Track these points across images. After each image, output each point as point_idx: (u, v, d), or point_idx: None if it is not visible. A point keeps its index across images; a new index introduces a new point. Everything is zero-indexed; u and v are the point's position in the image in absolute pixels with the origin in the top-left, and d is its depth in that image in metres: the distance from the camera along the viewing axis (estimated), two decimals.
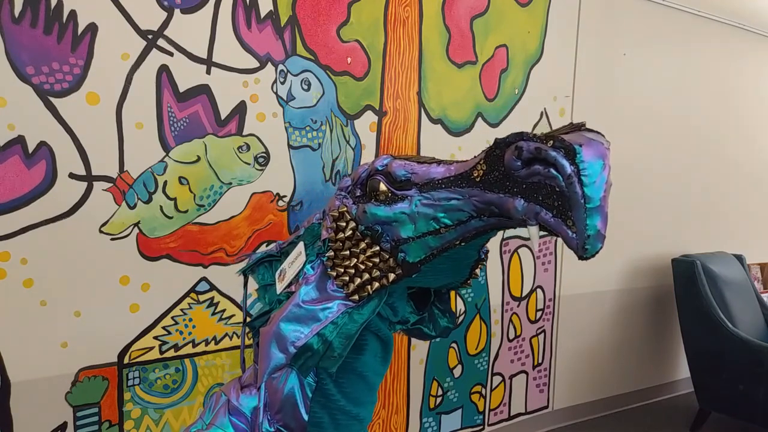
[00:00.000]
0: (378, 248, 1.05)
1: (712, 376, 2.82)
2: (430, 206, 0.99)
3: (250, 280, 1.39)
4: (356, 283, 1.06)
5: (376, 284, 1.06)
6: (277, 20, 1.87)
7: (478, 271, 1.15)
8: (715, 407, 2.87)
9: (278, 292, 1.21)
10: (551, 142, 0.78)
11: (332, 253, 1.10)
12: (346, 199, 1.12)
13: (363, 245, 1.06)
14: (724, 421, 2.95)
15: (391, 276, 1.05)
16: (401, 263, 1.03)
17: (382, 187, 1.06)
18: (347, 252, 1.08)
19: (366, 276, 1.06)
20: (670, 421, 3.10)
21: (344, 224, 1.09)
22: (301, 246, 1.21)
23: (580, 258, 0.79)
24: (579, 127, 0.83)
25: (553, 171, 0.78)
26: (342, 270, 1.08)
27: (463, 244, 0.99)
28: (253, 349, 1.25)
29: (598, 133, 0.82)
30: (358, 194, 1.11)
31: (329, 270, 1.10)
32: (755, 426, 2.72)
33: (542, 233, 0.87)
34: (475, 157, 0.97)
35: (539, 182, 0.81)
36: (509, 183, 0.86)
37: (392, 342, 1.21)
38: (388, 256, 1.04)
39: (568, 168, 0.76)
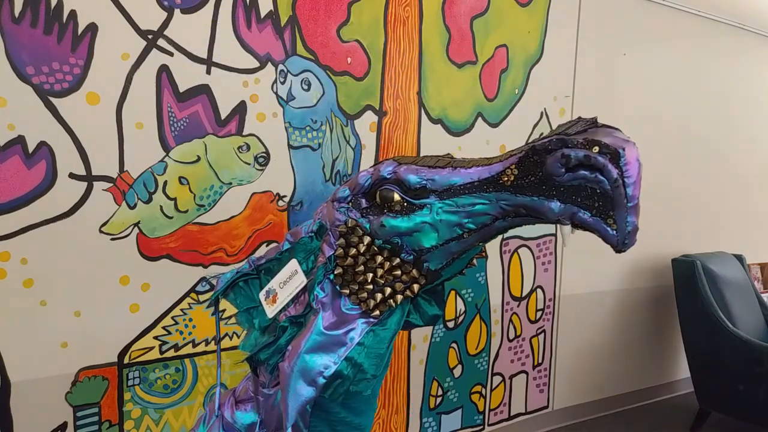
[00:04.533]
0: (398, 260, 1.02)
1: (712, 376, 2.82)
2: (454, 213, 0.97)
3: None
4: (378, 299, 1.03)
5: (400, 297, 1.04)
6: (277, 20, 1.87)
7: (475, 261, 1.13)
8: (715, 407, 2.87)
9: (270, 315, 1.13)
10: (596, 148, 0.82)
11: (341, 270, 1.05)
12: (351, 211, 1.07)
13: (380, 259, 1.03)
14: (724, 421, 2.94)
15: (416, 287, 1.03)
16: (425, 272, 1.02)
17: (396, 197, 1.02)
18: (361, 267, 1.04)
19: (388, 290, 1.03)
20: (670, 421, 3.10)
21: (356, 239, 1.04)
22: (294, 264, 1.12)
23: (618, 251, 0.84)
24: (595, 123, 0.87)
25: (600, 176, 0.82)
26: (357, 287, 1.04)
27: (481, 244, 1.00)
28: (251, 378, 1.19)
29: (617, 129, 0.86)
30: (365, 206, 1.06)
31: (339, 288, 1.05)
32: (755, 426, 2.72)
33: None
34: (493, 158, 0.96)
35: (579, 185, 0.84)
36: (545, 187, 0.87)
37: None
38: (411, 268, 1.02)
39: (615, 173, 0.80)
